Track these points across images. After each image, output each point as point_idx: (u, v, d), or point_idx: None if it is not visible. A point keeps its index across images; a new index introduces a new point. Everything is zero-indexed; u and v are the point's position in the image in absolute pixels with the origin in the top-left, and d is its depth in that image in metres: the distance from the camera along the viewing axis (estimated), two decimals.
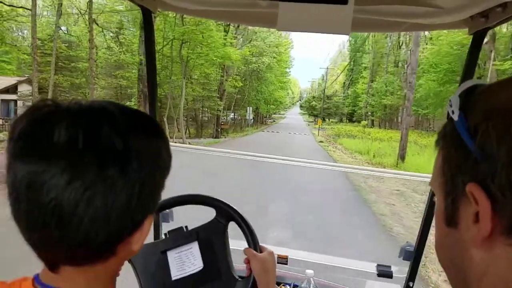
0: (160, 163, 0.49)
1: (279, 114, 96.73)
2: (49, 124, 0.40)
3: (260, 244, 0.98)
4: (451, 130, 0.37)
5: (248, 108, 31.03)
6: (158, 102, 21.52)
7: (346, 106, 58.08)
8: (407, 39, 37.97)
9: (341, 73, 65.61)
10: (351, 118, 58.88)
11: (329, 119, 59.68)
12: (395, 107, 39.17)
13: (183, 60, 18.72)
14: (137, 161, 0.43)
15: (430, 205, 1.25)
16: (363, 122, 29.95)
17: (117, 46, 24.03)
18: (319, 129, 31.15)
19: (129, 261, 0.93)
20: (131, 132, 0.44)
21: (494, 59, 19.82)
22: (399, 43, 43.25)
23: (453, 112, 0.36)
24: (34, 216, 0.40)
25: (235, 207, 1.01)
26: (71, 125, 0.40)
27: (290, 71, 53.81)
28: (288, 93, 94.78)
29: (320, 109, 56.88)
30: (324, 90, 55.33)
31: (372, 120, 47.90)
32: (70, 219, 0.40)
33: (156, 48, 1.31)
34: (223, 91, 26.29)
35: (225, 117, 32.50)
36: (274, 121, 62.74)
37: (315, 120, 61.48)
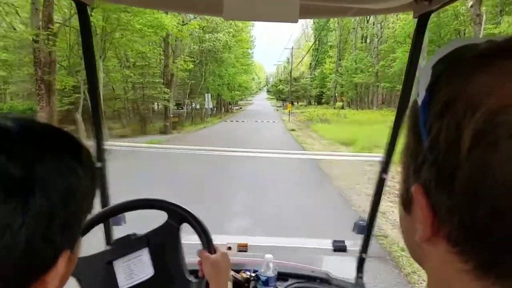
0: (75, 189, 0.41)
1: (246, 100, 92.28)
2: None
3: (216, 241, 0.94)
4: (414, 112, 0.32)
5: (206, 95, 26.34)
6: (72, 93, 15.17)
7: (314, 88, 54.52)
8: None
9: (306, 54, 61.78)
10: (319, 100, 55.53)
11: (297, 103, 56.03)
12: (366, 85, 35.93)
13: (99, 32, 13.66)
14: (42, 191, 0.36)
15: (379, 182, 1.27)
16: (338, 104, 26.30)
17: None
18: (289, 114, 27.15)
19: (73, 275, 0.84)
20: (36, 159, 0.37)
21: (485, 23, 16.48)
22: (367, 16, 39.82)
23: (417, 94, 0.31)
24: None
25: (187, 208, 0.96)
26: None
27: (252, 53, 49.17)
28: (253, 78, 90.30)
29: (288, 92, 52.96)
30: (290, 72, 51.23)
31: (342, 101, 44.70)
32: None
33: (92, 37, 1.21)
34: (171, 76, 21.40)
35: (183, 107, 27.67)
36: (240, 108, 58.12)
37: (283, 105, 57.65)
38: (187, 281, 0.91)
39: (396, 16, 30.85)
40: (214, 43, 25.87)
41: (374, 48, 36.07)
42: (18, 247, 0.35)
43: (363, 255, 1.38)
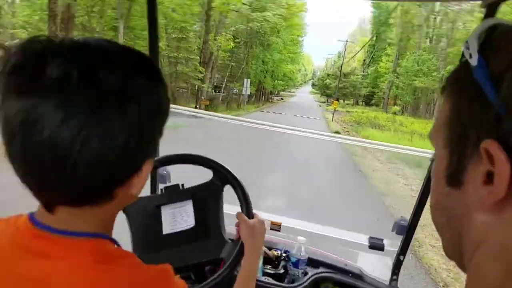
0: (160, 108, 0.47)
1: (289, 92, 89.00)
2: (43, 59, 0.38)
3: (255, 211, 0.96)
4: (465, 76, 0.32)
5: (245, 80, 23.93)
6: None
7: (364, 87, 50.21)
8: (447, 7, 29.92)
9: (360, 49, 57.20)
10: (368, 101, 51.19)
11: (344, 101, 52.03)
12: (426, 91, 31.64)
13: None
14: (135, 103, 0.41)
15: (428, 180, 1.19)
16: (395, 108, 22.68)
17: None
18: (333, 112, 24.08)
19: (123, 211, 0.92)
20: (129, 73, 0.42)
21: None
22: (435, 12, 35.03)
23: (470, 56, 0.31)
24: (29, 155, 0.39)
25: (232, 171, 0.99)
26: (65, 61, 0.39)
27: (303, 41, 45.87)
28: (300, 69, 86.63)
29: (334, 88, 49.28)
30: (341, 66, 47.32)
31: (395, 104, 40.43)
32: (66, 159, 0.38)
33: None
34: (210, 55, 19.25)
35: (221, 90, 25.55)
36: (282, 99, 55.33)
37: (327, 101, 53.98)
38: (223, 239, 0.93)
39: (472, 15, 26.35)
40: (262, 23, 23.29)
41: (441, 50, 31.60)
42: (116, 150, 0.40)
43: (401, 257, 1.30)
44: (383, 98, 45.60)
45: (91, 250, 0.45)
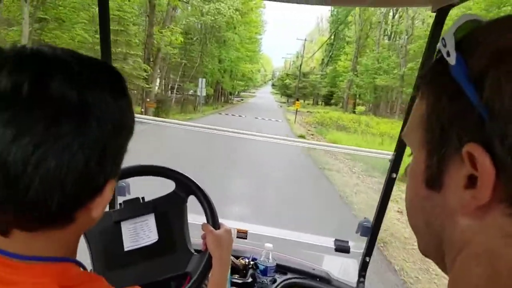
0: (123, 123, 0.43)
1: (249, 92, 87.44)
2: None
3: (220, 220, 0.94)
4: (443, 74, 0.30)
5: (200, 80, 21.61)
6: None
7: (324, 87, 49.70)
8: None
9: (318, 48, 56.98)
10: (328, 100, 50.80)
11: (304, 100, 51.20)
12: (387, 89, 31.27)
13: None
14: (96, 118, 0.38)
15: (389, 181, 1.22)
16: (359, 108, 21.46)
17: None
18: (296, 114, 22.49)
19: None
20: (88, 85, 0.38)
21: None
22: (394, 9, 34.91)
23: (448, 54, 0.30)
24: None
25: (196, 181, 0.95)
26: (15, 71, 0.35)
27: (261, 39, 44.28)
28: (259, 69, 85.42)
29: (294, 88, 48.30)
30: (300, 65, 46.42)
31: (355, 104, 40.05)
32: (18, 179, 0.35)
33: None
34: (157, 51, 16.70)
35: (177, 92, 22.91)
36: (242, 99, 53.36)
37: (287, 101, 52.99)
38: (189, 252, 0.90)
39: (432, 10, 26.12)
40: (216, 17, 21.10)
41: (401, 46, 31.31)
42: (75, 170, 0.37)
43: (367, 259, 1.31)
44: (342, 97, 45.29)
45: (55, 275, 0.42)
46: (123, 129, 0.43)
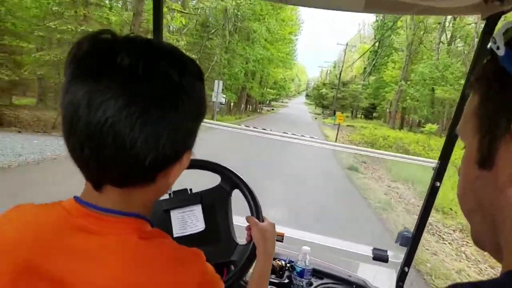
0: (204, 105, 0.51)
1: (282, 102, 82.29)
2: (112, 49, 0.42)
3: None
4: (492, 69, 0.34)
5: (216, 82, 16.78)
6: None
7: (365, 98, 43.47)
8: None
9: (360, 56, 50.91)
10: (368, 113, 44.50)
11: (342, 113, 45.34)
12: (450, 103, 24.80)
13: None
14: (189, 97, 0.46)
15: (432, 191, 1.18)
16: (431, 126, 15.56)
17: None
18: (338, 129, 16.99)
19: None
20: (185, 70, 0.46)
21: None
22: None
23: (498, 48, 0.33)
24: (90, 133, 0.42)
25: (240, 175, 0.97)
26: (133, 52, 0.42)
27: (297, 40, 39.10)
28: (293, 78, 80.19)
29: (332, 98, 42.57)
30: (340, 73, 40.82)
31: (403, 119, 33.62)
32: (124, 140, 0.42)
33: None
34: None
35: None
36: (272, 109, 48.16)
37: (323, 113, 47.32)
38: (234, 242, 0.92)
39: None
40: (241, 6, 16.27)
41: (467, 53, 24.95)
42: (167, 136, 0.44)
43: (406, 268, 1.27)
44: (388, 111, 38.93)
45: (135, 228, 0.48)
46: (203, 110, 0.50)
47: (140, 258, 0.46)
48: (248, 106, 36.65)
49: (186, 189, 0.98)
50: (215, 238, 0.92)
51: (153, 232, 0.52)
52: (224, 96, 19.06)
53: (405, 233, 1.28)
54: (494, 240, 0.35)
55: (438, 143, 14.36)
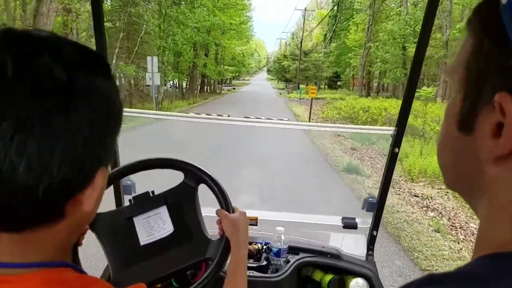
0: (111, 107, 0.40)
1: (243, 80, 77.76)
2: None
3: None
4: (491, 15, 0.28)
5: (149, 60, 12.45)
6: None
7: (327, 67, 40.24)
8: None
9: (319, 23, 47.32)
10: (332, 83, 41.54)
11: (306, 85, 41.92)
12: (429, 63, 22.02)
13: None
14: (83, 99, 0.35)
15: (392, 156, 1.19)
16: (426, 90, 12.64)
17: None
18: (311, 105, 13.41)
19: (91, 229, 0.85)
20: (76, 65, 0.36)
21: None
22: None
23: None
24: None
25: (205, 169, 0.93)
26: (1, 49, 0.32)
27: (251, 10, 34.58)
28: (253, 53, 75.65)
29: (294, 71, 39.01)
30: (301, 43, 37.03)
31: (370, 87, 30.91)
32: (0, 166, 0.31)
33: None
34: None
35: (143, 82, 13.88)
36: (234, 88, 43.68)
37: (286, 87, 43.83)
38: (206, 239, 0.87)
39: None
40: None
41: (441, 2, 21.94)
42: (60, 155, 0.33)
43: (374, 233, 1.31)
44: (353, 78, 36.13)
45: (45, 283, 0.37)
46: (112, 111, 0.39)
47: None
48: (206, 87, 32.21)
49: (147, 192, 0.91)
50: (186, 238, 0.87)
51: (75, 283, 0.39)
52: (168, 78, 14.74)
53: (370, 199, 1.31)
54: (467, 196, 0.33)
55: (438, 111, 11.15)
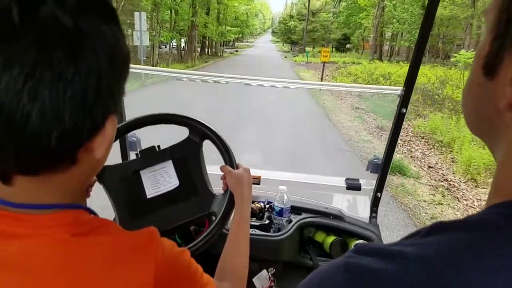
0: (118, 53, 0.38)
1: (247, 42, 74.11)
2: None
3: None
4: None
5: (136, 15, 10.67)
6: None
7: (336, 28, 37.38)
8: None
9: None
10: (341, 45, 38.84)
11: (313, 47, 39.21)
12: (453, 24, 19.74)
13: None
14: (90, 46, 0.34)
15: (398, 116, 1.16)
16: (464, 54, 10.79)
17: None
18: (323, 70, 11.73)
19: (99, 181, 0.87)
20: (82, 10, 0.34)
21: None
22: None
23: None
24: None
25: (209, 125, 0.91)
26: None
27: None
28: (257, 14, 71.42)
29: (301, 32, 36.31)
30: (308, 1, 33.90)
31: (380, 49, 28.55)
32: (13, 113, 0.31)
33: None
34: None
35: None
36: (236, 51, 41.04)
37: (292, 49, 41.16)
38: (211, 194, 0.89)
39: None
40: None
41: None
42: (71, 102, 0.33)
43: (378, 194, 1.29)
44: (364, 40, 33.51)
45: (65, 223, 0.39)
46: (120, 57, 0.38)
47: (75, 261, 0.37)
48: (207, 50, 30.00)
49: (153, 147, 0.91)
50: (191, 192, 0.89)
51: (91, 223, 0.41)
52: (162, 39, 12.96)
53: (375, 160, 1.28)
54: (487, 141, 0.33)
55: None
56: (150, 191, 0.87)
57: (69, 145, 0.36)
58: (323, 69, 11.79)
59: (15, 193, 0.37)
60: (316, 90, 11.24)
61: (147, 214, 0.86)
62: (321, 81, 11.68)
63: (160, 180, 0.88)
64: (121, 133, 0.95)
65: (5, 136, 0.33)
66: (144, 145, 1.07)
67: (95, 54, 0.34)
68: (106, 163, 0.49)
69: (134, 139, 1.27)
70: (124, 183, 0.88)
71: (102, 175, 0.86)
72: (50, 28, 0.31)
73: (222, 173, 0.86)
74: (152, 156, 0.90)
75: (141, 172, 0.89)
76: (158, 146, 0.91)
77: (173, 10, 17.05)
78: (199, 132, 0.90)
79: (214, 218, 0.83)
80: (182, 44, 23.03)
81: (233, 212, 0.81)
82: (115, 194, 0.88)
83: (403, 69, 13.31)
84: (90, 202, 0.53)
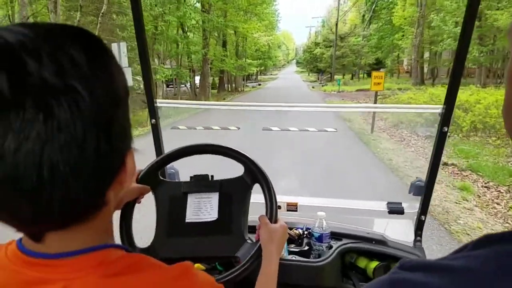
0: (117, 88, 0.37)
1: (270, 74, 72.39)
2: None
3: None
4: None
5: (114, 46, 7.85)
6: None
7: (367, 52, 34.03)
8: None
9: (352, 6, 41.01)
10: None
11: (343, 75, 35.93)
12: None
13: None
14: (89, 92, 0.33)
15: (440, 136, 1.14)
16: None
17: None
18: (375, 98, 8.27)
19: (153, 193, 0.93)
20: (69, 60, 0.33)
21: None
22: None
23: None
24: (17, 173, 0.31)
25: (263, 170, 0.92)
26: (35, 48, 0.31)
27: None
28: (280, 45, 70.11)
29: (329, 58, 33.30)
30: (336, 24, 31.17)
31: (422, 72, 24.68)
32: (38, 190, 0.32)
33: None
34: None
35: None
36: (259, 84, 38.35)
37: (319, 79, 38.14)
38: (243, 238, 0.89)
39: None
40: None
41: None
42: (89, 158, 0.33)
43: (422, 217, 1.25)
44: (397, 63, 29.91)
45: (96, 265, 0.39)
46: (120, 95, 0.37)
47: None
48: (227, 85, 27.63)
49: (207, 175, 0.95)
50: (225, 230, 0.89)
51: (124, 260, 0.41)
52: (156, 77, 10.23)
53: (418, 182, 1.26)
54: None
55: None
56: (190, 216, 0.90)
57: (98, 194, 0.37)
58: (375, 98, 8.32)
59: (47, 247, 0.38)
60: (367, 133, 7.74)
61: (182, 236, 0.88)
62: (373, 121, 8.17)
63: (202, 209, 0.91)
64: (176, 158, 0.96)
65: (34, 208, 0.32)
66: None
67: (96, 100, 0.33)
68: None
69: (173, 170, 1.30)
70: (172, 201, 0.92)
71: (157, 187, 0.91)
72: (42, 91, 0.30)
73: (259, 223, 0.85)
74: (203, 184, 0.93)
75: (189, 195, 0.92)
76: (212, 176, 0.94)
77: (179, 44, 14.54)
78: (252, 173, 0.90)
79: (236, 264, 0.83)
80: (196, 82, 20.65)
81: (261, 267, 0.79)
82: (162, 208, 0.91)
83: (465, 93, 9.47)
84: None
